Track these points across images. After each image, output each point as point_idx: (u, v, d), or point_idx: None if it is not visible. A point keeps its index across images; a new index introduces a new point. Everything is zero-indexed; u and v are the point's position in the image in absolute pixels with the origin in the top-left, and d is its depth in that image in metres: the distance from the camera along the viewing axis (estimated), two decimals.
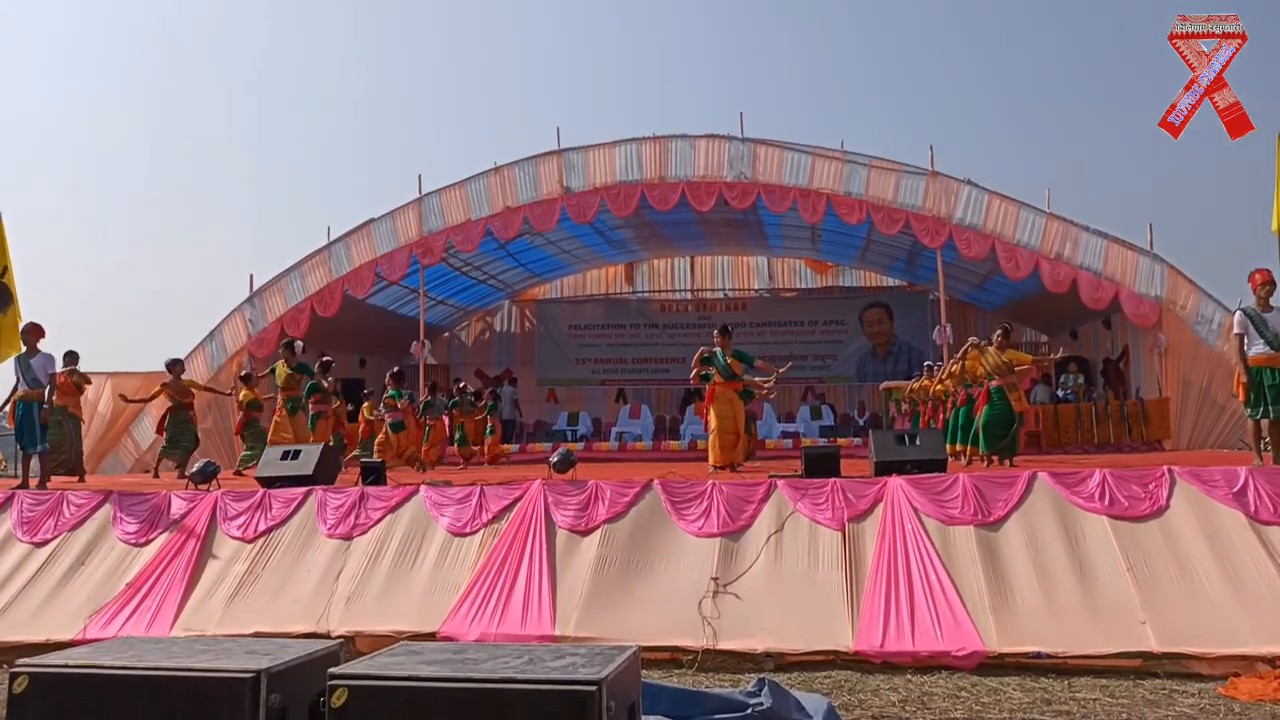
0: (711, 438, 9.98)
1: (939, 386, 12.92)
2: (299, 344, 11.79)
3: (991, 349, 10.01)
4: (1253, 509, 6.43)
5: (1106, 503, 6.64)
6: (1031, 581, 6.22)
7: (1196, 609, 5.87)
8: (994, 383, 9.92)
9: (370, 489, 7.85)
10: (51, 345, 9.67)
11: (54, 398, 9.68)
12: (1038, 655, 5.67)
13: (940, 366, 13.52)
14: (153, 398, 12.27)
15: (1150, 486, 6.71)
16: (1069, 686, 5.30)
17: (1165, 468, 6.85)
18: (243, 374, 12.79)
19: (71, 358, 11.26)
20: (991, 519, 6.68)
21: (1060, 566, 6.30)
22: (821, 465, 7.84)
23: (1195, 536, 6.34)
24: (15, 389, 9.46)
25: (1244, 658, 5.47)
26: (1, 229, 9.71)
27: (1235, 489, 6.55)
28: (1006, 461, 9.70)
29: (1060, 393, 16.82)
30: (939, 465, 7.72)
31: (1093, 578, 6.20)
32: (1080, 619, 5.93)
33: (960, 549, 6.52)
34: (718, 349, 10.00)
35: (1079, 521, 6.59)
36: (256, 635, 6.22)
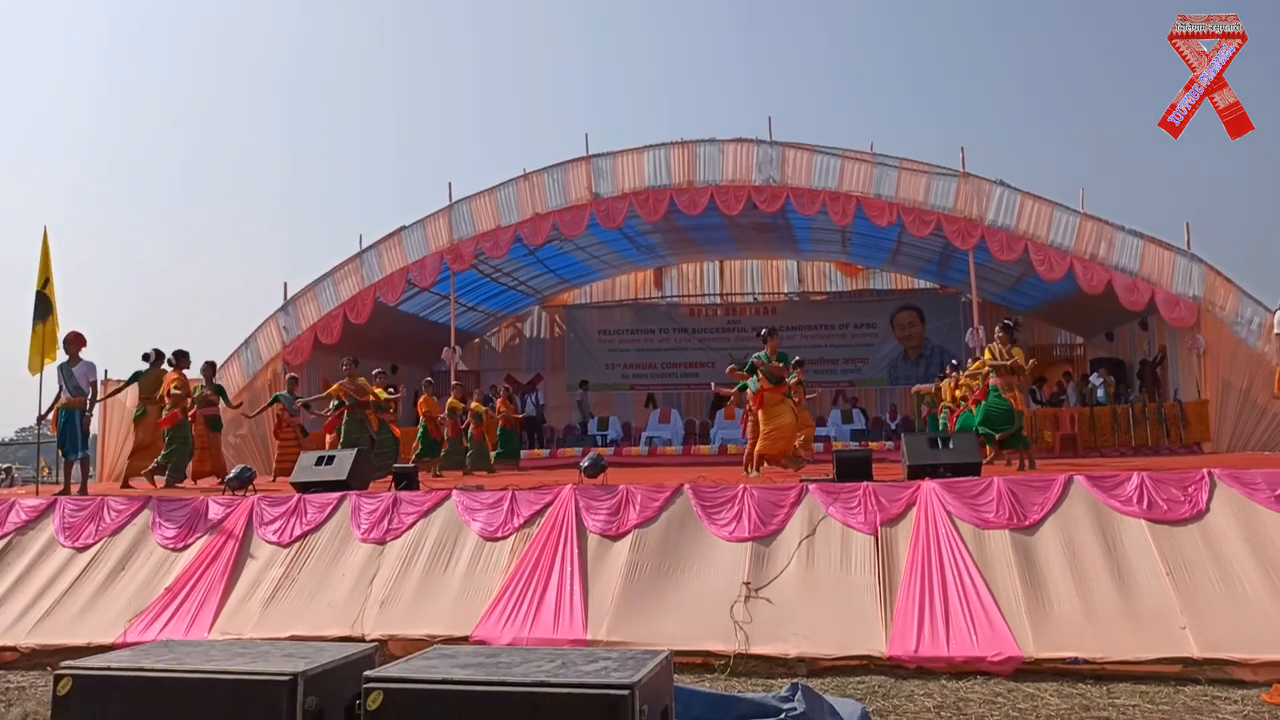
0: (768, 435, 9.72)
1: (958, 391, 12.82)
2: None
3: (997, 346, 10.01)
4: None
5: (1145, 506, 6.54)
6: (1069, 586, 6.14)
7: (1238, 614, 5.76)
8: (991, 380, 9.96)
9: (403, 494, 7.92)
10: (90, 354, 9.87)
11: (95, 406, 9.88)
12: (1075, 661, 5.59)
13: (961, 368, 13.42)
14: (326, 397, 12.10)
15: (1189, 489, 6.60)
16: (1107, 693, 5.22)
17: (1205, 470, 6.73)
18: (378, 371, 12.88)
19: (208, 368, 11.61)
20: (1027, 523, 6.60)
21: (1098, 571, 6.21)
22: (853, 469, 7.79)
23: (1236, 540, 6.22)
24: (58, 397, 9.67)
25: None
26: (45, 242, 9.95)
27: (1277, 491, 6.42)
28: (1025, 460, 9.63)
29: (1100, 394, 16.47)
30: (973, 469, 7.65)
31: (1131, 582, 6.10)
32: (1119, 624, 5.84)
33: (995, 553, 6.45)
34: (764, 352, 9.90)
35: (1117, 525, 6.49)
36: (293, 638, 6.30)
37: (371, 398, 11.78)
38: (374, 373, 12.66)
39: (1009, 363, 9.90)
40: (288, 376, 14.08)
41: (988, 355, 10.15)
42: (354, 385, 11.57)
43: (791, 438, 9.95)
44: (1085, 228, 13.92)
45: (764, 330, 10.20)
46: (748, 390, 10.19)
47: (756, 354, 9.95)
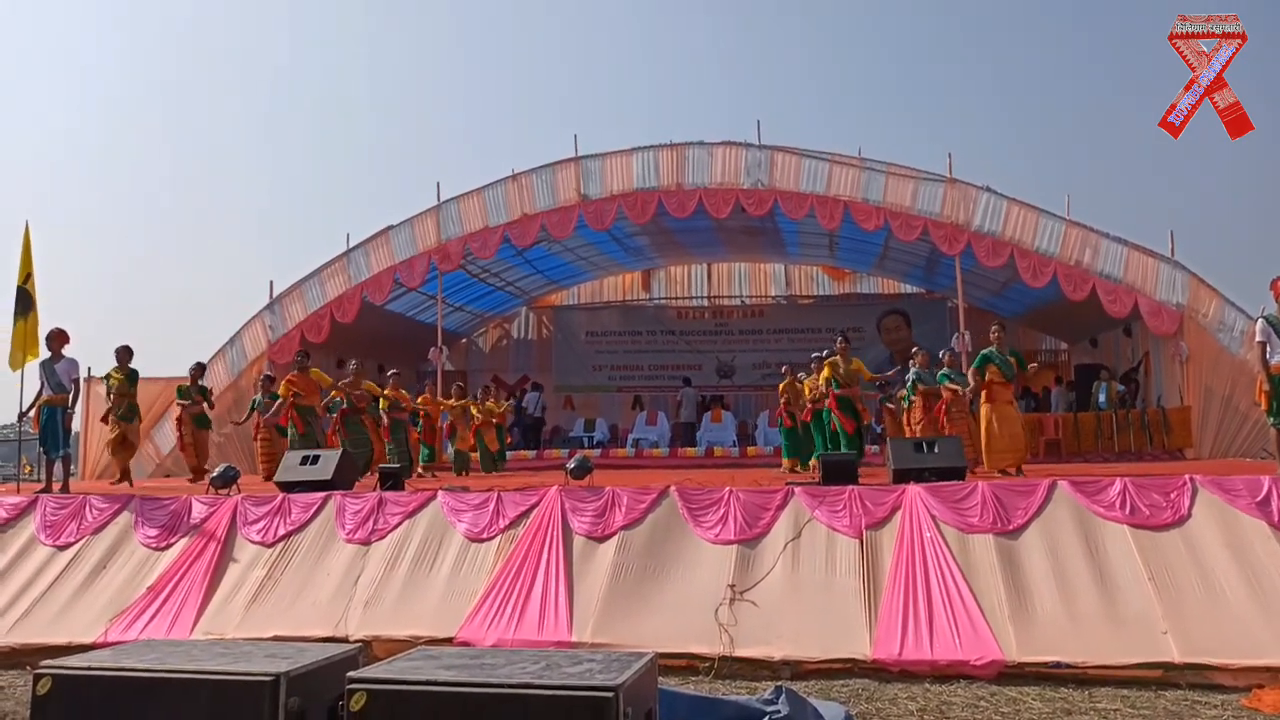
0: (989, 438, 9.65)
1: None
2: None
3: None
4: (1276, 518, 6.35)
5: (1127, 511, 6.58)
6: (1051, 591, 6.17)
7: (1219, 619, 5.81)
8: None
9: (388, 494, 7.89)
10: (73, 351, 9.80)
11: (78, 402, 9.83)
12: (1057, 665, 5.62)
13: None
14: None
15: (1172, 495, 6.65)
16: (1089, 697, 5.25)
17: (1187, 476, 6.79)
18: (393, 373, 12.85)
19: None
20: (1011, 527, 6.64)
21: (1080, 576, 6.25)
22: (839, 473, 7.81)
23: (1218, 546, 6.27)
24: (40, 394, 9.58)
25: (1268, 669, 5.40)
26: (27, 237, 9.88)
27: (1258, 498, 6.48)
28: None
29: (1102, 399, 16.32)
30: (958, 473, 7.68)
31: (1113, 587, 6.14)
32: (1101, 629, 5.88)
33: (979, 557, 6.48)
34: (993, 347, 9.83)
35: (1099, 530, 6.54)
36: (276, 639, 6.27)
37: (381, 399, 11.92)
38: (391, 374, 12.74)
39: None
40: (260, 378, 14.05)
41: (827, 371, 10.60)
42: (355, 387, 11.66)
43: (1022, 443, 9.79)
44: (1070, 234, 13.99)
45: (996, 325, 10.20)
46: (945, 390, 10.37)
47: (985, 349, 9.90)
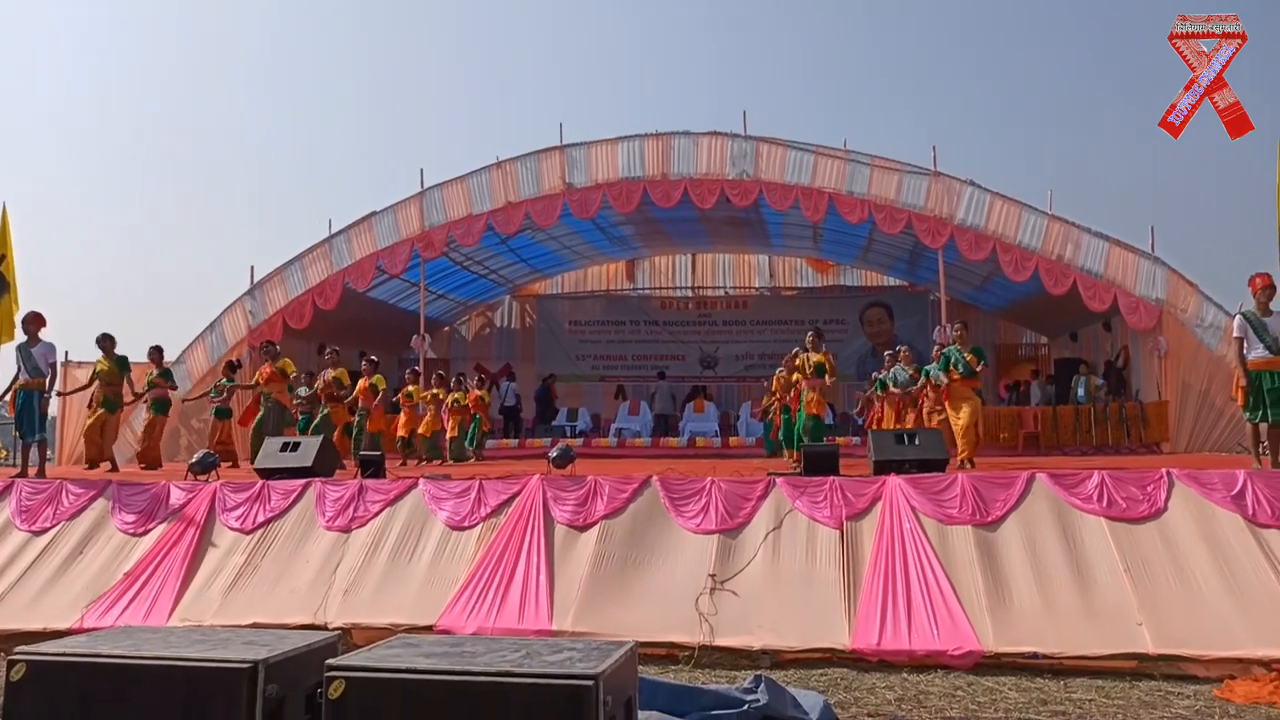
0: (964, 431, 9.69)
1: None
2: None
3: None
4: (1251, 512, 6.42)
5: (1104, 504, 6.64)
6: (1029, 582, 6.22)
7: (1193, 611, 5.87)
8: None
9: (369, 481, 7.86)
10: (53, 336, 9.68)
11: (55, 386, 9.73)
12: (1034, 655, 5.67)
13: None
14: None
15: (1148, 488, 6.71)
16: (1065, 687, 5.30)
17: (1164, 470, 6.84)
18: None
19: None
20: (990, 519, 6.68)
21: (1057, 567, 6.30)
22: (820, 464, 7.84)
23: (1193, 539, 6.34)
24: (16, 378, 9.47)
25: (1240, 660, 5.47)
26: (4, 219, 9.75)
27: (1233, 492, 6.55)
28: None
29: (1081, 393, 16.43)
30: (938, 465, 7.72)
31: (1090, 579, 6.20)
32: (1077, 620, 5.93)
33: (958, 549, 6.52)
34: (954, 345, 9.89)
35: (1077, 522, 6.59)
36: (254, 626, 6.24)
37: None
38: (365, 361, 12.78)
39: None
40: (224, 364, 14.02)
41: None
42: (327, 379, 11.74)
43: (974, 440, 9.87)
44: (1052, 229, 14.08)
45: (958, 324, 10.22)
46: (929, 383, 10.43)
47: (948, 347, 9.95)
